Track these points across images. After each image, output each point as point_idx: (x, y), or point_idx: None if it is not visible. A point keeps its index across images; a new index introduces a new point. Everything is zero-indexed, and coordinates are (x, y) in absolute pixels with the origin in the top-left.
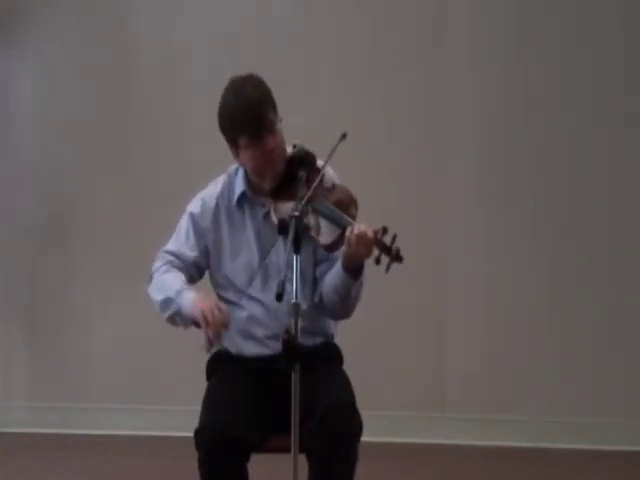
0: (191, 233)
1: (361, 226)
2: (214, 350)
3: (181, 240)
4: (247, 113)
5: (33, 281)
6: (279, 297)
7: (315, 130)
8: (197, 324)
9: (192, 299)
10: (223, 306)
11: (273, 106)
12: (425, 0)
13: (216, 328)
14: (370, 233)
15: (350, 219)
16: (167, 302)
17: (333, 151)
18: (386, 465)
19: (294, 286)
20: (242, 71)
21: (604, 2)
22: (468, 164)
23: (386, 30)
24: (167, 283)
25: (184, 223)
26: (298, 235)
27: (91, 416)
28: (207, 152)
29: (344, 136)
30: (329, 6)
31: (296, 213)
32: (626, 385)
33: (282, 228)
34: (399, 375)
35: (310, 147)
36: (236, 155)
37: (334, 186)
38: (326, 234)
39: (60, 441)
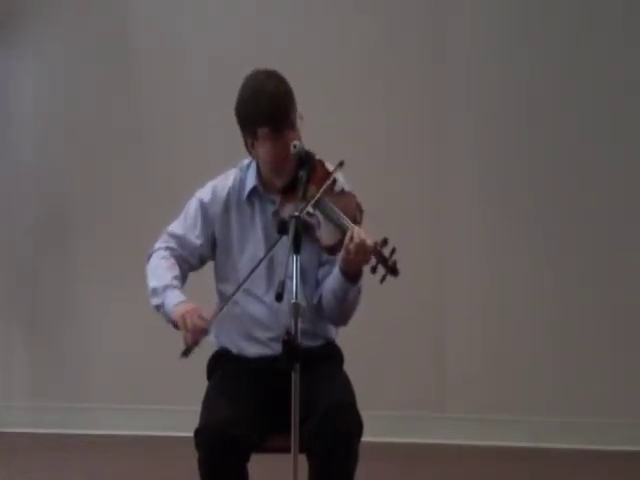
0: (199, 220)
1: (361, 234)
2: (189, 355)
3: (188, 225)
4: (271, 104)
5: (33, 281)
6: (279, 297)
7: (315, 130)
8: (176, 325)
9: (175, 300)
10: (205, 313)
11: (294, 102)
12: (425, 0)
13: (194, 335)
14: (369, 242)
15: (352, 224)
16: (154, 292)
17: (330, 177)
18: (386, 465)
19: (294, 286)
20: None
21: (604, 2)
22: (468, 164)
23: (386, 30)
24: (159, 272)
25: (192, 208)
26: (298, 235)
27: (91, 416)
28: (207, 152)
29: (341, 164)
30: (329, 6)
31: (296, 213)
32: (626, 385)
33: (282, 228)
34: (399, 375)
35: (310, 147)
36: (251, 147)
37: (343, 191)
38: (328, 236)
39: (60, 441)
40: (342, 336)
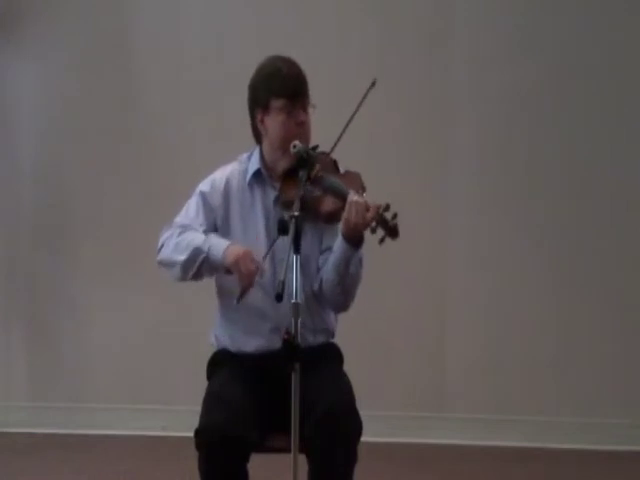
0: (201, 210)
1: (360, 197)
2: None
3: (191, 216)
4: (288, 77)
5: (33, 281)
6: (279, 297)
7: (315, 130)
8: (228, 271)
9: (223, 245)
10: (254, 255)
11: (308, 89)
12: (425, 0)
13: (250, 278)
14: (370, 203)
15: (352, 190)
16: (194, 254)
17: (364, 98)
18: (386, 465)
19: (294, 286)
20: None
21: (605, 2)
22: (468, 165)
23: (386, 30)
24: (189, 239)
25: (194, 201)
26: (298, 235)
27: (91, 416)
28: (208, 151)
29: (373, 84)
30: (329, 6)
31: (296, 213)
32: (626, 385)
33: (282, 228)
34: (399, 375)
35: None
36: (261, 122)
37: (347, 172)
38: (328, 203)
39: (60, 441)
40: (342, 336)
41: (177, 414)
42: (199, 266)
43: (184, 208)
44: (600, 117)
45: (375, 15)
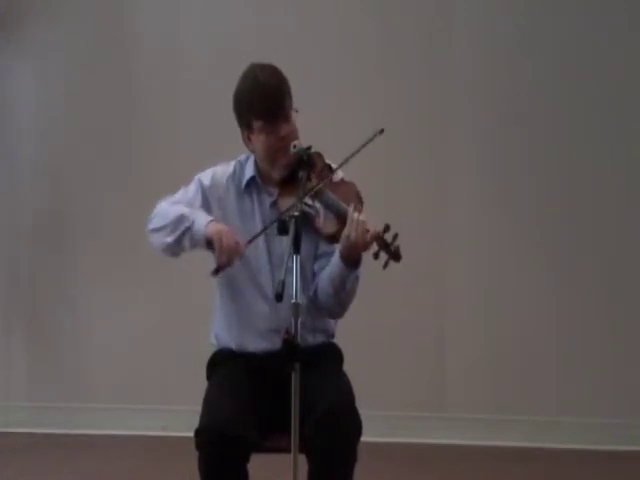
0: (198, 197)
1: (361, 217)
2: (219, 274)
3: (189, 197)
4: (265, 97)
5: (33, 281)
6: (279, 297)
7: (315, 130)
8: (209, 245)
9: (207, 219)
10: (237, 236)
11: (290, 95)
12: (425, 0)
13: (230, 253)
14: (370, 226)
15: (352, 210)
16: (179, 220)
17: (367, 143)
18: (386, 465)
19: (294, 286)
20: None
21: (605, 2)
22: (469, 164)
23: (386, 30)
24: (177, 207)
25: (192, 187)
26: (298, 235)
27: (91, 416)
28: (207, 152)
29: (382, 131)
30: (329, 6)
31: (296, 213)
32: (626, 385)
33: (282, 228)
34: (399, 375)
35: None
36: (247, 139)
37: (342, 181)
38: (329, 224)
39: (60, 441)
40: (342, 336)
41: (177, 414)
42: (181, 234)
43: (182, 189)
44: (600, 117)
45: (375, 15)
